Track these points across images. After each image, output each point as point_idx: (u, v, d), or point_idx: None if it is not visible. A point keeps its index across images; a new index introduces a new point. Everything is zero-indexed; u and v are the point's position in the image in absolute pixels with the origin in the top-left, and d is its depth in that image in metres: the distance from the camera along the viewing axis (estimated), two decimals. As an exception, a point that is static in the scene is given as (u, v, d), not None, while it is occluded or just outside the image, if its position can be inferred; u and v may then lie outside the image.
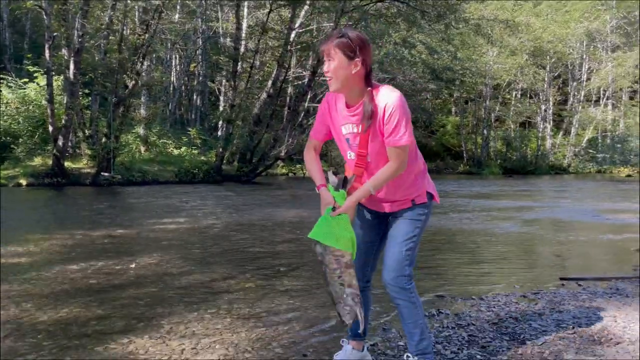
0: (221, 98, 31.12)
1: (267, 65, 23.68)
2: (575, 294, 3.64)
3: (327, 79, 2.13)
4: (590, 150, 35.07)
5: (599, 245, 6.04)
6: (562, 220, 8.43)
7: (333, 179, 2.23)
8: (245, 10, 21.65)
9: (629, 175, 27.21)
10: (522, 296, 3.64)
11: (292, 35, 19.70)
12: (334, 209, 2.13)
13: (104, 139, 15.90)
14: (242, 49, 20.30)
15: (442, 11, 18.06)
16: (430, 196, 2.27)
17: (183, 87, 31.65)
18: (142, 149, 21.25)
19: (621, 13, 35.44)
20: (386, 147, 2.10)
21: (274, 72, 20.16)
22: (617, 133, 32.56)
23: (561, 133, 37.39)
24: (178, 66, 30.84)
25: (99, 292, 3.76)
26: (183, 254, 5.22)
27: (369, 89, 2.11)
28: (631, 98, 34.29)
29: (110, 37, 16.65)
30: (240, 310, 3.32)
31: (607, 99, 36.13)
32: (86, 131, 16.54)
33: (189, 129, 25.57)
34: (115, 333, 2.89)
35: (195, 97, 33.12)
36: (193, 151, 22.13)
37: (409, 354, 2.25)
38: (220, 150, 19.47)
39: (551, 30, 33.69)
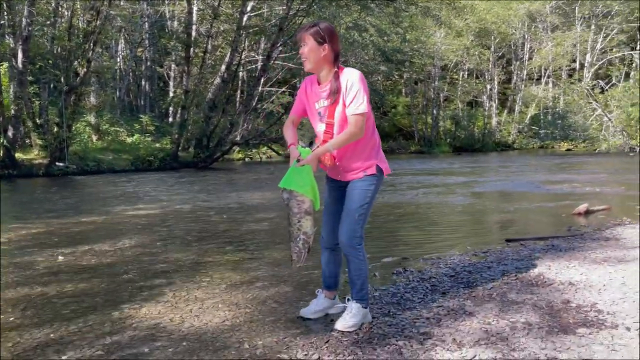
0: (171, 83, 30.74)
1: (220, 49, 23.63)
2: (517, 252, 4.26)
3: (303, 60, 2.63)
4: (533, 127, 36.92)
5: (539, 212, 6.77)
6: (506, 192, 9.22)
7: (301, 143, 2.75)
8: (196, -6, 21.46)
9: (568, 150, 28.97)
10: (473, 254, 4.23)
11: (245, 19, 19.79)
12: (299, 162, 2.60)
13: (55, 129, 15.64)
14: (193, 34, 20.21)
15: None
16: (380, 170, 2.70)
17: (131, 73, 31.01)
18: (94, 137, 20.93)
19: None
20: (347, 115, 2.57)
21: (227, 57, 20.22)
22: (557, 110, 34.38)
23: (506, 111, 39.12)
24: (124, 52, 30.19)
25: (95, 270, 4.08)
26: (163, 236, 5.55)
27: (335, 69, 2.63)
28: (570, 76, 36.18)
29: (58, 25, 16.29)
30: (232, 278, 3.74)
31: (548, 78, 38.00)
32: (37, 120, 16.17)
33: (141, 115, 25.26)
34: (124, 302, 3.26)
35: (144, 83, 32.54)
36: (146, 138, 21.96)
37: (349, 298, 2.75)
38: (176, 136, 19.45)
39: (495, 11, 34.96)
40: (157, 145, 20.82)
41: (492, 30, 36.17)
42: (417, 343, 2.37)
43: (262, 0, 21.56)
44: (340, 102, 2.58)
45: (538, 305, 2.80)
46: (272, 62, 20.75)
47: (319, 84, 2.68)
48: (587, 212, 6.22)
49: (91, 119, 20.95)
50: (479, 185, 10.39)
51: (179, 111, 20.03)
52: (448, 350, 2.28)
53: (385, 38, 29.39)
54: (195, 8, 20.35)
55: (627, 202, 7.15)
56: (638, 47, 37.23)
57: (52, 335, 2.70)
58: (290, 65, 24.27)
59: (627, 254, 3.93)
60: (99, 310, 3.10)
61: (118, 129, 22.35)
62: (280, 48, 20.61)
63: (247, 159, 26.57)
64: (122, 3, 24.00)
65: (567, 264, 3.71)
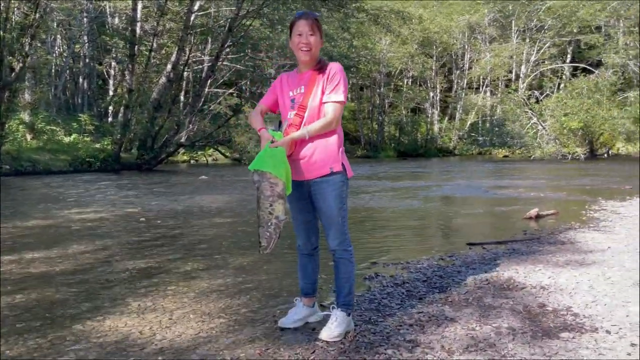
0: (110, 82, 29.60)
1: (166, 48, 22.97)
2: (482, 255, 4.34)
3: (305, 49, 2.54)
4: (472, 134, 38.36)
5: (492, 216, 6.97)
6: (457, 197, 9.45)
7: (271, 126, 2.68)
8: (140, -10, 20.75)
9: (505, 156, 30.24)
10: (440, 259, 4.26)
11: (192, 18, 19.34)
12: (272, 144, 2.51)
13: (-14, 127, 14.64)
14: (138, 31, 19.52)
15: (344, 1, 18.75)
16: (345, 168, 2.63)
17: (68, 70, 29.61)
18: (29, 136, 19.77)
19: (497, 7, 38.81)
20: (325, 103, 2.53)
21: (174, 56, 19.67)
22: (495, 118, 35.86)
23: (447, 118, 40.46)
24: (60, 47, 28.77)
25: (46, 278, 3.79)
26: (116, 241, 5.26)
27: (322, 58, 2.63)
28: (507, 86, 37.84)
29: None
30: (198, 286, 3.57)
31: (486, 87, 39.63)
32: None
33: (79, 114, 24.12)
34: (84, 313, 3.03)
35: (81, 80, 31.15)
36: (85, 138, 20.98)
37: (334, 305, 2.68)
38: (119, 137, 18.69)
39: (437, 22, 36.10)
40: (97, 145, 19.92)
41: (435, 40, 37.35)
42: (406, 351, 2.33)
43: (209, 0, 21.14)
44: (319, 89, 2.54)
45: (516, 310, 2.84)
46: (220, 63, 20.37)
47: (296, 75, 2.66)
48: (538, 217, 6.46)
49: (25, 117, 19.77)
50: (429, 189, 10.60)
51: (122, 110, 19.22)
52: (439, 358, 2.25)
53: (332, 43, 29.61)
54: (140, 5, 19.67)
55: (571, 207, 7.50)
56: (568, 60, 39.55)
57: (8, 352, 2.46)
58: (238, 66, 23.96)
59: (586, 257, 4.09)
60: (57, 323, 2.87)
61: (54, 128, 21.23)
62: (228, 49, 20.30)
63: (192, 161, 25.97)
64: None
65: (533, 267, 3.81)
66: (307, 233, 2.77)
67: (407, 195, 9.62)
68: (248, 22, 19.85)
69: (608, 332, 2.45)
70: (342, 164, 2.62)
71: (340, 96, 2.52)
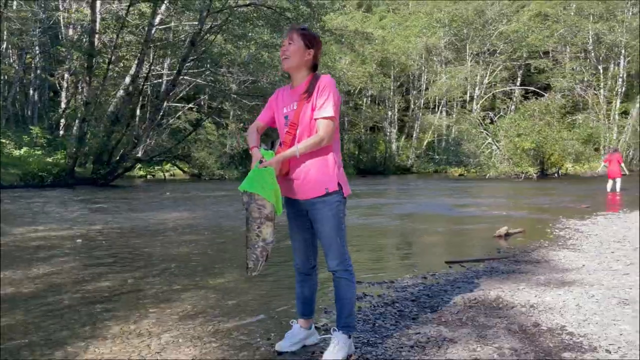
0: (63, 94, 28.63)
1: (124, 61, 22.44)
2: (464, 274, 4.37)
3: (283, 57, 2.53)
4: (429, 153, 39.26)
5: (463, 234, 7.08)
6: (422, 215, 9.57)
7: (264, 146, 2.62)
8: (99, 2, 20.28)
9: (461, 175, 31.01)
10: (423, 277, 4.27)
11: (153, 31, 19.03)
12: (261, 164, 2.45)
13: None
14: (97, 43, 19.00)
15: (308, 20, 18.92)
16: (341, 187, 2.55)
17: (18, 81, 28.44)
18: (-25, 149, 18.79)
19: (452, 31, 40.17)
20: (315, 119, 2.48)
21: (133, 69, 19.24)
22: (451, 137, 36.84)
23: (404, 137, 41.28)
24: (10, 57, 27.66)
25: (15, 301, 3.55)
26: (85, 261, 5.02)
27: (313, 72, 2.58)
28: (462, 107, 39.05)
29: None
30: (181, 307, 3.42)
31: (442, 107, 40.75)
32: None
33: (30, 127, 23.16)
34: (64, 339, 2.84)
35: (32, 92, 30.02)
36: (36, 152, 20.13)
37: (335, 328, 2.60)
38: (74, 150, 18.01)
39: (395, 43, 36.98)
40: (50, 159, 19.11)
41: (393, 61, 38.20)
42: (414, 374, 2.29)
43: (171, 14, 20.88)
44: (309, 105, 2.49)
45: (512, 329, 2.86)
46: (182, 77, 20.08)
47: (289, 90, 2.61)
48: (507, 235, 6.60)
49: (-28, 128, 18.80)
50: (393, 207, 10.70)
51: (76, 123, 18.55)
52: (448, 380, 2.22)
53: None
54: (98, 17, 19.19)
55: (536, 225, 7.71)
56: (518, 83, 41.26)
57: (-14, 384, 2.27)
58: (198, 81, 23.69)
59: (564, 276, 4.18)
60: (37, 350, 2.68)
61: (3, 140, 20.25)
62: (190, 63, 20.03)
63: (149, 177, 25.32)
64: (14, 6, 22.02)
65: (516, 286, 3.86)
66: (305, 252, 2.70)
67: (373, 212, 9.66)
68: (211, 37, 19.69)
69: (608, 351, 2.50)
70: (339, 183, 2.57)
71: (329, 111, 2.45)
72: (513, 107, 38.66)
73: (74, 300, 3.60)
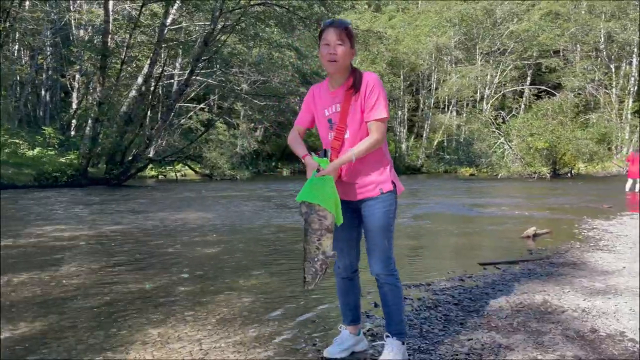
0: (74, 94, 28.72)
1: (136, 61, 22.46)
2: (501, 276, 4.24)
3: (331, 60, 2.34)
4: (439, 152, 39.04)
5: (489, 235, 6.93)
6: (444, 215, 9.43)
7: (315, 155, 2.47)
8: (111, 2, 20.29)
9: (472, 175, 30.79)
10: (460, 279, 4.14)
11: (165, 31, 18.99)
12: (319, 172, 2.33)
13: (-54, 138, 13.85)
14: (110, 43, 19.00)
15: (323, 19, 18.80)
16: (395, 186, 2.48)
17: (30, 82, 28.56)
18: (-11, 149, 18.85)
19: (462, 30, 39.94)
20: (366, 122, 2.35)
21: (145, 69, 19.22)
22: (462, 137, 36.61)
23: (413, 137, 41.07)
24: (23, 58, 27.77)
25: (47, 304, 3.46)
26: (109, 262, 4.94)
27: (353, 69, 2.43)
28: (474, 107, 38.79)
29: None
30: (218, 311, 3.32)
31: (453, 107, 40.52)
32: None
33: (43, 128, 23.24)
34: (102, 343, 2.75)
35: (44, 92, 30.16)
36: (50, 152, 20.18)
37: (388, 334, 2.49)
38: (87, 151, 18.02)
39: (406, 43, 36.81)
40: (63, 159, 19.15)
41: (403, 60, 38.02)
42: (477, 383, 2.18)
43: (182, 14, 20.84)
44: (357, 107, 2.36)
45: (569, 336, 2.73)
46: (195, 76, 20.05)
47: (328, 90, 2.47)
48: (535, 235, 6.46)
49: (-15, 129, 18.90)
50: (412, 207, 10.56)
51: (89, 124, 18.54)
52: (515, 390, 2.10)
53: (304, 61, 29.68)
54: (111, 17, 19.18)
55: (561, 226, 7.56)
56: (528, 83, 40.96)
57: (29, 392, 2.18)
58: (209, 81, 23.66)
59: (608, 279, 4.05)
60: (74, 356, 2.58)
61: (17, 141, 20.32)
62: (201, 64, 19.99)
63: (160, 177, 25.33)
64: (27, 6, 22.06)
65: (560, 289, 3.73)
66: (348, 253, 2.58)
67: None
68: (223, 37, 19.64)
69: (679, 359, 2.37)
70: (392, 182, 2.46)
71: (382, 112, 2.34)
72: (523, 106, 38.41)
73: (106, 302, 3.51)
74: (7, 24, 13.38)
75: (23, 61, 27.33)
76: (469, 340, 2.71)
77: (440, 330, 2.89)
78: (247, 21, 19.30)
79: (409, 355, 2.52)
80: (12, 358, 2.54)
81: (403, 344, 2.46)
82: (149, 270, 4.56)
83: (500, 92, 39.68)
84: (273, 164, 33.12)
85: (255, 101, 24.47)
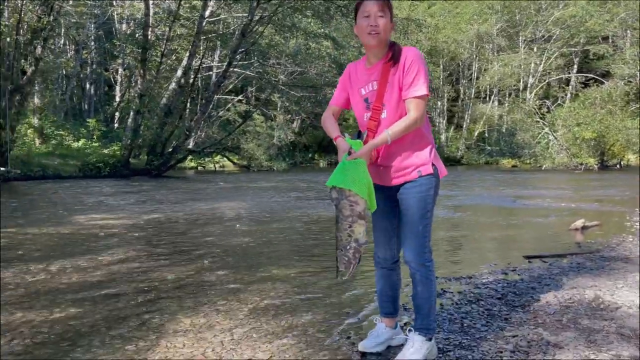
0: (117, 87, 29.42)
1: (176, 54, 22.78)
2: (547, 270, 4.02)
3: (373, 33, 2.18)
4: (480, 144, 38.08)
5: (534, 227, 6.64)
6: (486, 207, 9.14)
7: (348, 135, 2.31)
8: (151, -5, 20.58)
9: (514, 166, 29.92)
10: (503, 273, 3.94)
11: (203, 24, 19.14)
12: (350, 155, 2.18)
13: (-3, 130, 14.39)
14: (150, 36, 19.30)
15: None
16: (436, 169, 2.30)
17: (75, 75, 29.44)
18: (38, 141, 19.56)
19: (505, 17, 38.70)
20: (405, 100, 2.18)
21: (184, 62, 19.44)
22: (504, 127, 35.62)
23: (453, 127, 40.18)
24: (68, 53, 28.62)
25: (81, 290, 3.48)
26: (146, 250, 4.96)
27: (392, 43, 2.26)
28: (517, 96, 37.62)
29: (2, 20, 15.02)
30: (250, 300, 3.25)
31: (494, 96, 39.42)
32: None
33: (87, 120, 23.92)
34: (133, 331, 2.72)
35: (88, 86, 31.04)
36: (94, 144, 20.75)
37: (411, 328, 2.35)
38: (128, 142, 18.42)
39: (445, 32, 35.98)
40: (106, 151, 19.66)
41: (442, 49, 37.17)
42: (523, 383, 2.02)
43: (221, 6, 20.97)
44: (395, 84, 2.19)
45: (624, 334, 2.53)
46: (232, 68, 20.16)
47: (365, 67, 2.30)
48: (584, 228, 6.14)
49: (34, 121, 19.56)
50: (453, 199, 10.28)
51: (131, 116, 18.94)
52: (566, 392, 1.94)
53: (341, 51, 29.44)
54: (152, 11, 19.48)
55: (612, 219, 7.19)
56: (574, 71, 39.38)
57: (59, 378, 2.16)
58: (247, 73, 23.76)
59: (665, 273, 3.77)
60: (106, 342, 2.56)
61: (63, 133, 21.01)
62: (239, 55, 20.07)
63: (199, 168, 25.69)
64: (71, 1, 22.66)
65: (613, 284, 3.49)
66: (388, 243, 2.43)
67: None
68: (260, 28, 19.64)
69: None
70: (433, 165, 2.29)
71: (421, 89, 2.15)
72: (569, 95, 36.98)
73: (140, 290, 3.50)
74: (51, 17, 13.71)
75: (69, 55, 28.17)
76: (514, 336, 2.54)
77: (483, 325, 2.73)
78: (284, 12, 19.22)
79: (449, 351, 2.37)
80: (46, 344, 2.53)
81: (429, 340, 2.31)
82: (184, 259, 4.55)
83: (545, 80, 38.26)
84: (310, 155, 33.08)
85: (292, 92, 24.45)
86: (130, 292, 3.46)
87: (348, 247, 2.17)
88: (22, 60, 14.13)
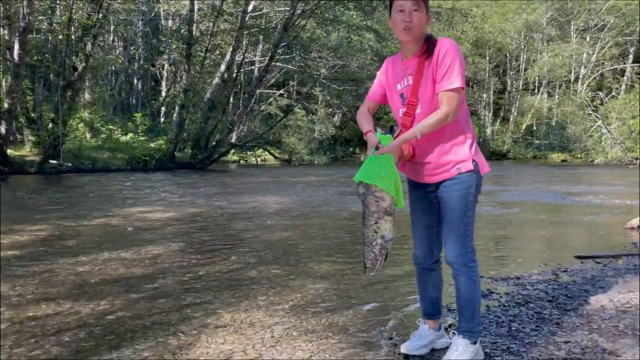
0: (163, 83, 30.10)
1: (219, 49, 23.08)
2: (601, 271, 3.82)
3: (405, 27, 2.10)
4: (527, 137, 36.88)
5: (585, 225, 6.36)
6: (534, 203, 8.82)
7: (380, 130, 2.26)
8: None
9: (564, 160, 28.87)
10: (553, 274, 3.77)
11: (246, 19, 19.28)
12: (377, 150, 2.13)
13: (50, 125, 14.98)
14: (194, 32, 19.62)
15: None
16: (477, 165, 2.19)
17: (124, 71, 30.28)
18: (88, 135, 20.24)
19: (555, 5, 37.24)
20: (437, 93, 2.09)
21: (228, 56, 19.67)
22: (554, 120, 34.40)
23: (499, 120, 39.06)
24: (117, 49, 29.46)
25: (127, 283, 3.54)
26: (190, 243, 5.02)
27: (428, 36, 2.17)
28: (567, 87, 36.22)
29: (55, 17, 15.61)
30: (291, 297, 3.23)
31: (544, 88, 38.05)
32: (32, 115, 15.47)
33: (134, 114, 24.59)
34: (176, 325, 2.74)
35: (136, 81, 31.88)
36: (140, 138, 21.31)
37: (455, 332, 2.26)
38: (174, 136, 18.82)
39: (492, 21, 34.96)
40: (152, 145, 20.17)
41: (489, 40, 36.13)
42: (577, 394, 1.90)
43: (264, 0, 21.09)
44: (429, 77, 2.10)
45: (689, 343, 2.35)
46: (274, 62, 20.25)
47: (401, 61, 2.22)
48: (640, 227, 5.82)
49: (85, 116, 20.26)
50: (499, 194, 9.98)
51: (176, 110, 19.34)
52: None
53: (383, 43, 29.09)
54: (196, 6, 19.78)
55: (671, 217, 6.77)
56: (630, 61, 37.52)
57: (103, 371, 2.19)
58: (289, 67, 23.83)
59: None
60: (150, 335, 2.58)
61: (112, 127, 21.67)
62: (280, 50, 20.13)
63: (241, 162, 26.00)
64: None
65: (675, 288, 3.28)
66: (427, 242, 2.35)
67: (479, 200, 9.03)
68: (303, 22, 19.62)
69: None
70: (474, 160, 2.19)
71: (455, 82, 2.05)
72: (624, 86, 35.28)
73: (182, 284, 3.54)
74: (101, 15, 14.12)
75: (117, 51, 29.02)
76: (566, 342, 2.41)
77: (533, 329, 2.60)
78: (326, 4, 19.13)
79: (496, 356, 2.27)
80: (92, 335, 2.58)
81: (474, 343, 2.22)
82: (226, 253, 4.58)
83: (598, 71, 36.61)
84: (350, 149, 32.91)
85: (334, 86, 24.37)
86: (173, 285, 3.50)
87: (374, 243, 2.14)
88: (74, 57, 14.61)
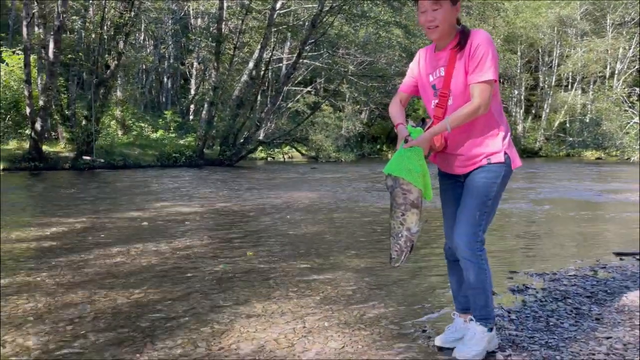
0: (192, 81, 30.48)
1: (247, 46, 23.23)
2: (642, 268, 3.69)
3: (430, 28, 2.07)
4: (560, 134, 36.03)
5: (622, 222, 6.17)
6: (568, 200, 8.60)
7: (411, 122, 2.25)
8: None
9: (598, 158, 28.12)
10: (591, 270, 3.66)
11: (274, 16, 19.35)
12: (407, 143, 2.12)
13: (83, 122, 15.34)
14: (223, 30, 19.79)
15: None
16: (509, 159, 2.16)
17: (154, 69, 30.77)
18: (120, 132, 20.64)
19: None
20: (469, 85, 2.05)
21: (256, 54, 19.77)
22: (588, 117, 33.53)
23: (530, 117, 38.26)
24: (148, 47, 29.96)
25: (159, 274, 3.59)
26: (219, 236, 5.06)
27: (461, 27, 2.12)
28: (603, 83, 35.24)
29: (88, 16, 15.96)
30: (321, 289, 3.22)
31: (578, 84, 37.09)
32: (66, 112, 15.86)
33: (164, 112, 24.97)
34: (208, 314, 2.75)
35: (165, 79, 32.34)
36: (170, 135, 21.63)
37: (471, 318, 2.23)
38: (203, 133, 19.04)
39: (523, 16, 34.25)
40: (182, 142, 20.45)
41: (520, 35, 35.41)
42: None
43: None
44: (461, 69, 2.06)
45: None
46: (302, 60, 20.28)
47: (434, 52, 2.18)
48: (682, 225, 5.61)
49: (117, 113, 20.67)
50: (533, 192, 9.77)
51: (205, 108, 19.56)
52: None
53: (411, 40, 28.80)
54: (225, 4, 19.95)
55: None
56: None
57: (139, 356, 2.21)
58: (316, 64, 23.83)
59: None
60: (183, 324, 2.60)
61: (143, 124, 22.05)
62: (308, 47, 20.13)
63: (269, 159, 26.15)
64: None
65: None
66: None
67: (508, 196, 8.87)
68: (331, 19, 19.59)
69: None
70: (506, 153, 2.14)
71: (486, 74, 2.01)
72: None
73: (216, 275, 3.56)
74: (132, 14, 14.37)
75: (148, 50, 29.52)
76: (607, 338, 2.33)
77: (571, 325, 2.53)
78: (354, 0, 19.04)
79: (535, 350, 2.21)
80: (127, 322, 2.62)
81: (490, 330, 2.19)
82: (256, 246, 4.59)
83: (635, 67, 35.51)
84: (378, 146, 32.74)
85: (361, 83, 24.25)
86: (205, 276, 3.53)
87: (400, 235, 2.14)
88: (106, 55, 14.92)
